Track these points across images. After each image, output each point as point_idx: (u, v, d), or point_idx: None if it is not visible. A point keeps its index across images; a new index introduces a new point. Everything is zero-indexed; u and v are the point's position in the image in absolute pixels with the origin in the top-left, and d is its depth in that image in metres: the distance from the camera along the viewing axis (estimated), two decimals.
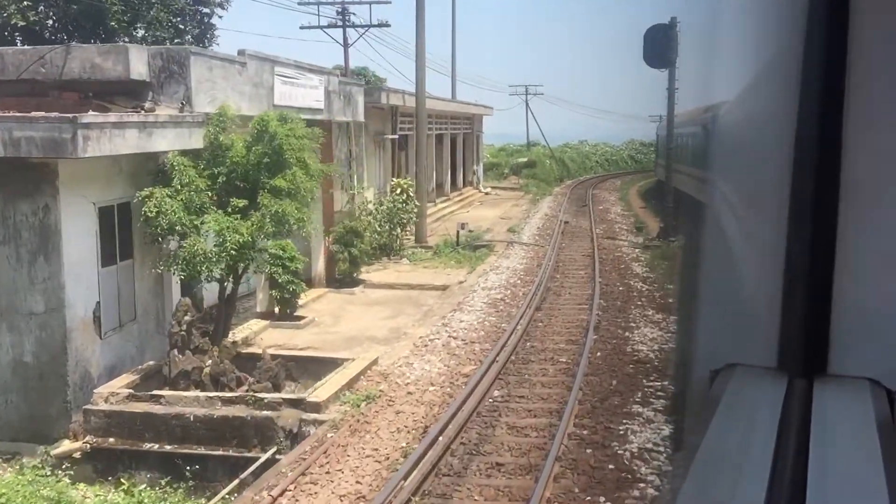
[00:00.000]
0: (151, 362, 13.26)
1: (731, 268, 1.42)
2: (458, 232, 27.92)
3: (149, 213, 12.30)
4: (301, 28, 27.24)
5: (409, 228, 30.09)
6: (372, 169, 30.18)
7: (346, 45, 27.23)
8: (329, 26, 26.93)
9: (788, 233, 1.17)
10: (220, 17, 33.35)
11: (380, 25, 27.77)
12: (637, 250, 27.05)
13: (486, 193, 50.07)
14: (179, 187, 12.58)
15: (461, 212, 40.44)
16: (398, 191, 27.03)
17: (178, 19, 32.11)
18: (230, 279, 14.98)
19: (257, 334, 17.76)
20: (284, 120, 14.38)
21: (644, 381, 12.53)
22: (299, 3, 26.72)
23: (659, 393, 11.96)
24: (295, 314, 18.56)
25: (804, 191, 1.14)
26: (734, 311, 1.35)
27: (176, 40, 32.33)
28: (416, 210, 27.41)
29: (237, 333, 17.54)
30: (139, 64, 13.60)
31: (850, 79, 1.11)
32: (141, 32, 30.90)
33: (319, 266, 21.96)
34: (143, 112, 13.39)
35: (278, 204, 13.22)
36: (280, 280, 17.70)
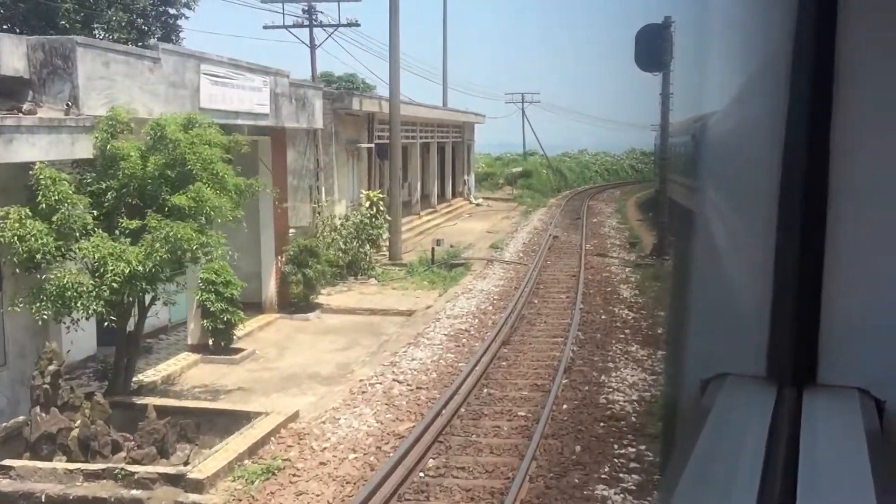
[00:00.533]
0: (21, 418, 10.90)
1: (721, 277, 1.43)
2: (433, 249, 25.54)
3: (3, 238, 9.96)
4: (265, 28, 24.97)
5: (383, 244, 27.75)
6: (344, 180, 27.88)
7: (312, 47, 24.94)
8: (294, 26, 24.66)
9: (777, 242, 1.18)
10: (187, 17, 31.05)
11: (349, 25, 25.51)
12: (628, 269, 24.64)
13: (478, 205, 47.72)
14: (46, 206, 10.22)
15: (448, 224, 38.13)
16: (367, 204, 24.67)
17: (141, 20, 29.88)
18: (135, 313, 12.65)
19: (183, 372, 15.41)
20: (191, 124, 12.02)
21: (615, 446, 10.12)
22: (262, 1, 24.50)
23: (633, 465, 9.55)
24: (232, 346, 16.21)
25: (793, 200, 1.16)
26: (724, 320, 1.36)
27: (139, 43, 30.13)
28: (386, 225, 25.05)
29: (160, 371, 15.21)
30: (14, 58, 11.29)
31: (838, 88, 1.12)
32: (100, 34, 28.67)
33: (271, 289, 19.61)
34: (20, 114, 11.08)
35: (169, 226, 10.84)
36: (212, 308, 15.42)
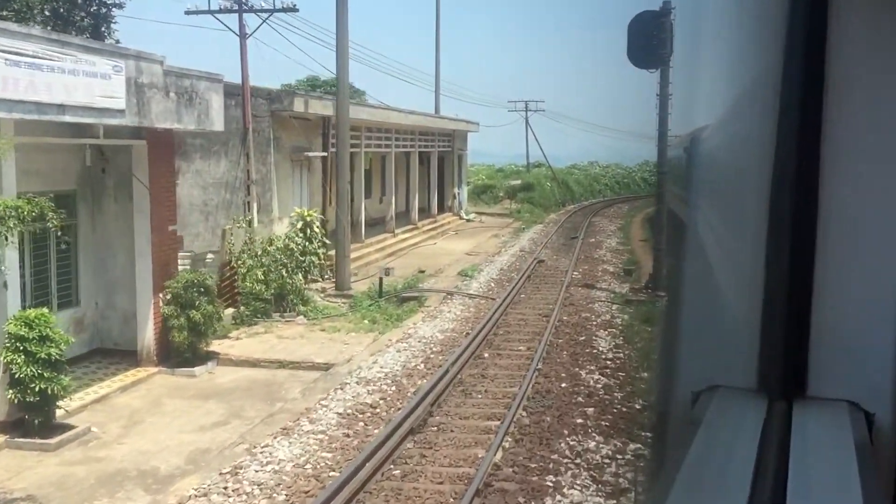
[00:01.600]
0: None
1: (712, 290, 1.44)
2: (380, 280, 21.09)
3: None
4: (186, 13, 20.74)
5: (327, 270, 23.34)
6: (288, 194, 23.53)
7: (242, 35, 20.63)
8: (221, 11, 20.46)
9: (767, 255, 1.18)
10: (122, 6, 26.88)
11: (285, 10, 21.15)
12: (615, 307, 20.08)
13: (468, 220, 43.26)
14: None
15: (427, 244, 33.71)
16: (300, 224, 20.26)
17: (63, 6, 25.74)
18: None
19: None
20: None
21: None
22: None
23: None
24: (55, 424, 11.88)
25: (783, 213, 1.16)
26: (715, 333, 1.37)
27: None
28: (323, 249, 20.63)
29: None
30: None
31: (828, 102, 1.12)
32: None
33: (148, 335, 15.23)
34: None
35: None
36: (19, 375, 11.20)
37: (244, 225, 19.59)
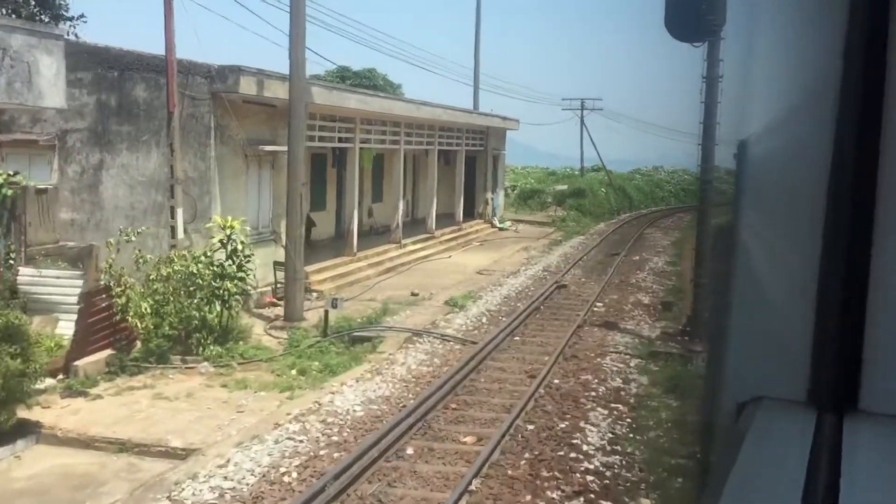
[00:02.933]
0: None
1: (761, 299, 1.40)
2: (325, 313, 15.99)
3: None
4: None
5: (271, 297, 18.45)
6: (239, 196, 18.70)
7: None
8: None
9: (821, 263, 1.14)
10: None
11: None
12: (635, 362, 14.61)
13: (501, 229, 37.90)
14: None
15: (440, 257, 28.58)
16: (218, 237, 15.30)
17: None
18: None
19: None
20: None
21: None
22: None
23: None
24: None
25: (839, 221, 1.12)
26: (764, 342, 1.34)
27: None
28: (250, 271, 15.64)
29: None
30: None
31: (888, 108, 1.08)
32: None
33: None
34: None
35: None
36: None
37: (181, 234, 14.85)
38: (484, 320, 17.69)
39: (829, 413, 1.11)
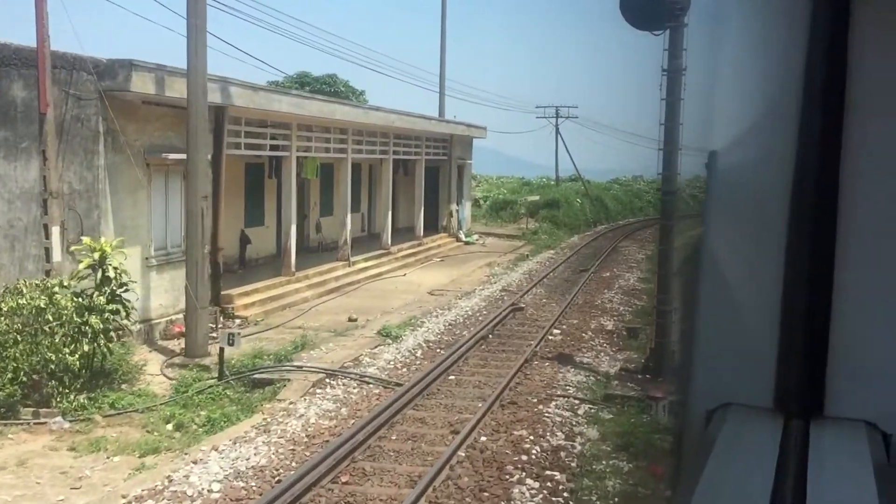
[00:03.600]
0: None
1: (728, 308, 1.41)
2: (220, 351, 13.41)
3: None
4: None
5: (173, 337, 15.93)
6: (139, 214, 16.14)
7: None
8: None
9: (786, 274, 1.17)
10: None
11: None
12: (584, 408, 12.12)
13: (467, 243, 35.41)
14: None
15: (393, 276, 26.08)
16: (86, 262, 12.72)
17: None
18: None
19: None
20: None
21: None
22: None
23: None
24: None
25: (802, 232, 1.15)
26: (731, 351, 1.34)
27: None
28: (128, 302, 13.05)
29: None
30: None
31: (848, 123, 1.12)
32: None
33: None
34: None
35: None
36: None
37: (57, 258, 12.28)
38: (418, 354, 15.17)
39: (796, 418, 1.15)
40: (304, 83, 41.48)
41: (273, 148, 21.35)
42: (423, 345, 15.84)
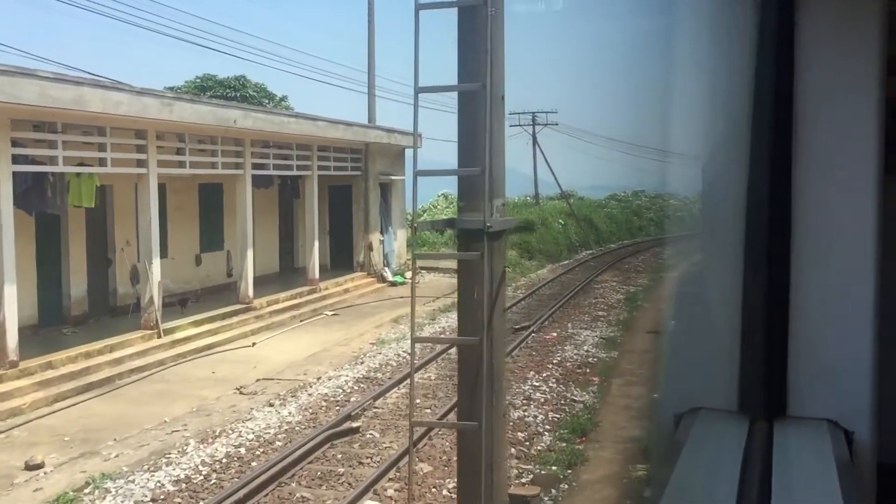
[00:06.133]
0: None
1: (692, 317, 1.46)
2: None
3: None
4: None
5: None
6: None
7: None
8: None
9: (745, 284, 1.22)
10: None
11: None
12: None
13: (394, 284, 26.36)
14: None
15: (236, 345, 17.19)
16: None
17: None
18: None
19: None
20: None
21: None
22: None
23: None
24: None
25: (758, 243, 1.22)
26: (698, 358, 1.38)
27: None
28: None
29: None
30: None
31: (797, 135, 1.18)
32: None
33: None
34: None
35: None
36: None
37: None
38: None
39: (761, 420, 1.19)
40: (206, 87, 32.81)
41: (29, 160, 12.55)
42: None
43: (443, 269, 30.33)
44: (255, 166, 19.96)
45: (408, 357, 15.39)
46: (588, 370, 14.71)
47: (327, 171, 23.70)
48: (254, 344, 17.47)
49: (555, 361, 15.20)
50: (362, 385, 13.48)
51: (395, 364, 14.95)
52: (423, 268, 30.15)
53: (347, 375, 14.12)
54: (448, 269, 30.36)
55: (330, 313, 21.34)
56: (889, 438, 1.19)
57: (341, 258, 26.03)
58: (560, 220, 41.98)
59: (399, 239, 28.88)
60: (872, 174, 1.17)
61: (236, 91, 32.81)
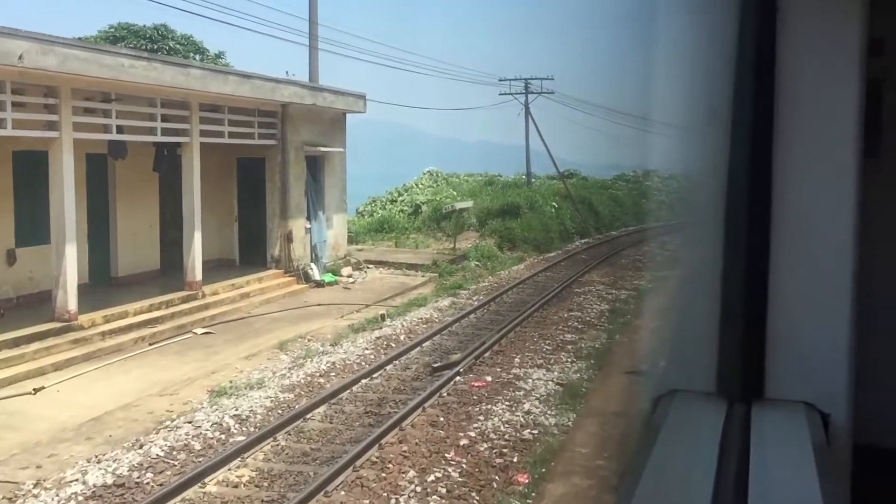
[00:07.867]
0: None
1: (671, 301, 1.41)
2: None
3: None
4: None
5: None
6: None
7: None
8: None
9: (724, 266, 1.17)
10: None
11: None
12: None
13: (320, 285, 20.22)
14: None
15: (14, 391, 11.09)
16: None
17: None
18: None
19: None
20: None
21: None
22: None
23: None
24: None
25: (737, 226, 1.16)
26: (675, 340, 1.33)
27: None
28: None
29: None
30: None
31: (777, 131, 1.13)
32: None
33: None
34: None
35: None
36: None
37: None
38: None
39: (738, 402, 1.15)
40: (119, 38, 26.66)
41: None
42: None
43: (394, 264, 24.15)
44: (83, 127, 13.89)
45: (257, 418, 9.27)
46: (515, 458, 8.57)
47: (220, 137, 17.57)
48: (36, 391, 11.45)
49: (464, 442, 9.03)
50: (161, 478, 7.43)
51: (197, 447, 8.84)
52: (375, 262, 24.02)
53: (74, 488, 8.02)
54: (404, 263, 24.20)
55: (201, 331, 15.28)
56: (864, 420, 1.17)
57: (254, 251, 19.97)
58: (553, 203, 35.59)
59: (336, 227, 22.70)
60: (853, 157, 1.16)
61: (154, 42, 26.64)
